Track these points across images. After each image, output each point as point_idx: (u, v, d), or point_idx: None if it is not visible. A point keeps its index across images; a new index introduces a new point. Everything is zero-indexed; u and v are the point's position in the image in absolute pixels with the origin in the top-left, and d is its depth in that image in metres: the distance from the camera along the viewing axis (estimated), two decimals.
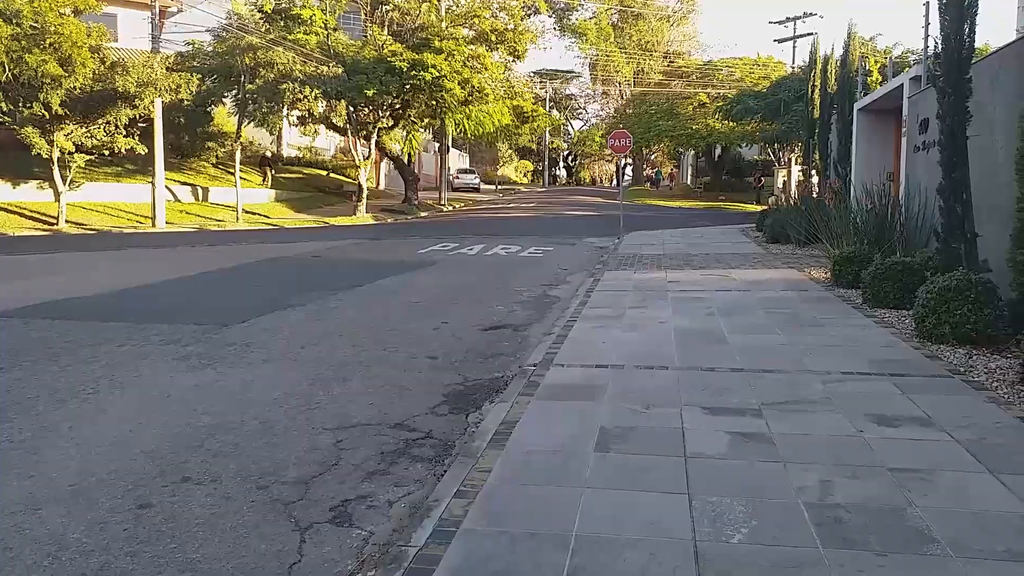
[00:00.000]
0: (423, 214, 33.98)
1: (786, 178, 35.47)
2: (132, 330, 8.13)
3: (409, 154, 39.52)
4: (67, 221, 23.44)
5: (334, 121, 32.73)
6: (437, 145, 42.53)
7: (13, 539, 3.53)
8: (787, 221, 16.65)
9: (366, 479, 4.25)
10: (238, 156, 27.63)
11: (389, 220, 30.22)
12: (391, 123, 32.78)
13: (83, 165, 23.73)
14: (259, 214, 28.71)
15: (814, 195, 17.58)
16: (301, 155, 41.37)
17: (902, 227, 10.90)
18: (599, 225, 25.09)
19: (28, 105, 21.53)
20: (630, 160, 57.37)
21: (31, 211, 24.07)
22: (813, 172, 19.22)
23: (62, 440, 4.83)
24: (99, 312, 9.32)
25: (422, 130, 39.54)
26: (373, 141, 32.04)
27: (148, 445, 4.74)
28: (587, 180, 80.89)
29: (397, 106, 31.30)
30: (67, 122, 22.58)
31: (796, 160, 32.71)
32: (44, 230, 22.69)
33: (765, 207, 23.92)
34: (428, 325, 8.58)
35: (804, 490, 3.72)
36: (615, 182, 61.20)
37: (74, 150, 22.92)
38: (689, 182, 53.93)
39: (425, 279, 12.69)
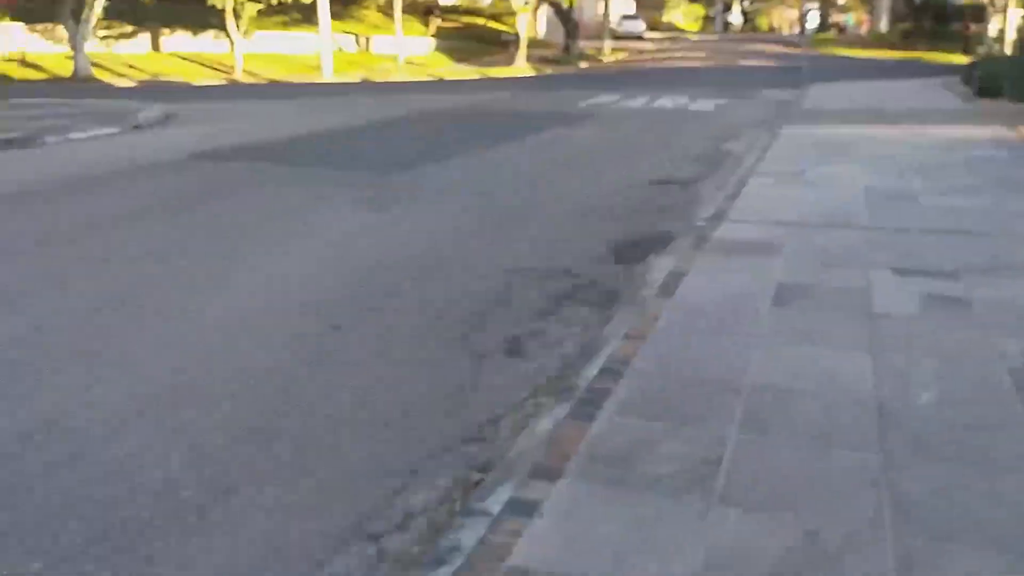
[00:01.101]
0: (583, 64, 32.89)
1: (1002, 24, 31.01)
2: (310, 174, 8.60)
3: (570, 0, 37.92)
4: (243, 71, 24.69)
5: None
6: None
7: (218, 354, 3.96)
8: (1001, 73, 14.70)
9: (535, 318, 4.37)
10: (399, 4, 27.57)
11: (548, 71, 29.54)
12: None
13: (254, 15, 24.64)
14: (420, 64, 28.92)
15: None
16: (459, 3, 40.71)
17: None
18: (778, 77, 23.23)
19: None
20: (815, 4, 52.02)
21: (210, 61, 25.52)
22: None
23: (254, 271, 5.29)
24: (280, 157, 9.90)
25: None
26: None
27: (332, 276, 5.10)
28: (765, 28, 74.47)
29: None
30: None
31: (1016, 2, 28.38)
32: (222, 79, 24.05)
33: (974, 58, 21.16)
34: (591, 178, 8.46)
35: (1007, 356, 3.44)
36: (798, 29, 56.01)
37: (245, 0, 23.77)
38: (884, 30, 48.43)
39: (587, 131, 12.42)
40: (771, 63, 30.25)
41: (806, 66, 20.38)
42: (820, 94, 16.99)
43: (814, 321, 3.94)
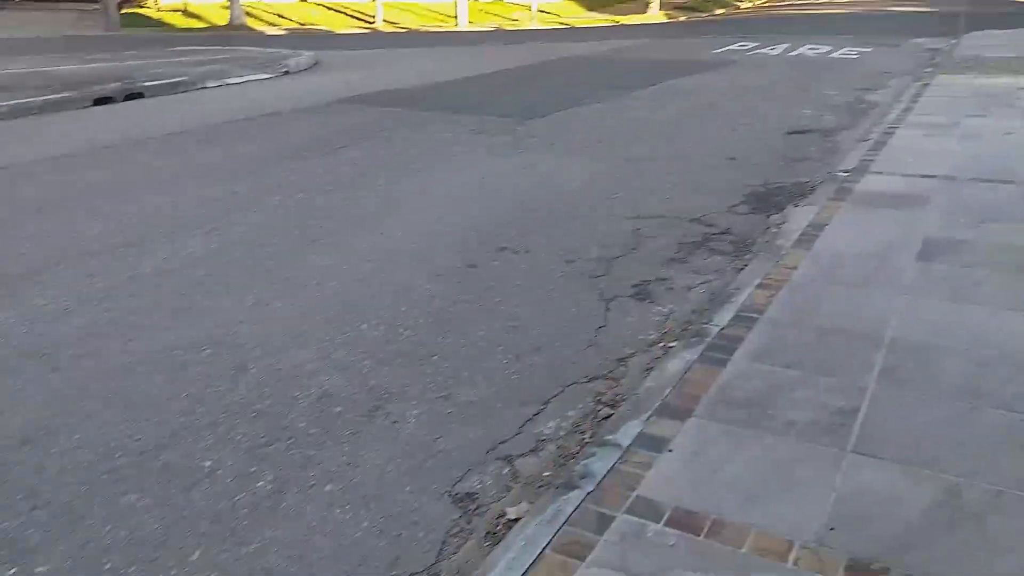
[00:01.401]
0: (719, 11, 31.51)
1: None
2: (447, 119, 8.79)
3: None
4: (382, 20, 25.29)
5: None
6: None
7: (372, 282, 4.21)
8: None
9: (665, 264, 4.36)
10: None
11: (682, 18, 28.52)
12: None
13: None
14: (551, 13, 28.61)
15: None
16: None
17: None
18: (930, 23, 21.48)
19: None
20: None
21: (352, 11, 26.29)
22: None
23: (397, 209, 5.53)
24: (419, 102, 10.16)
25: None
26: None
27: (467, 218, 5.26)
28: None
29: None
30: None
31: None
32: (364, 28, 24.73)
33: None
34: (726, 126, 8.21)
35: None
36: None
37: None
38: None
39: (721, 80, 11.99)
40: (922, 8, 27.95)
41: (964, 10, 18.69)
42: (979, 42, 15.58)
43: (963, 277, 3.74)
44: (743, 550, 2.04)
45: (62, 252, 4.75)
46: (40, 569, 2.23)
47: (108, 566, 2.23)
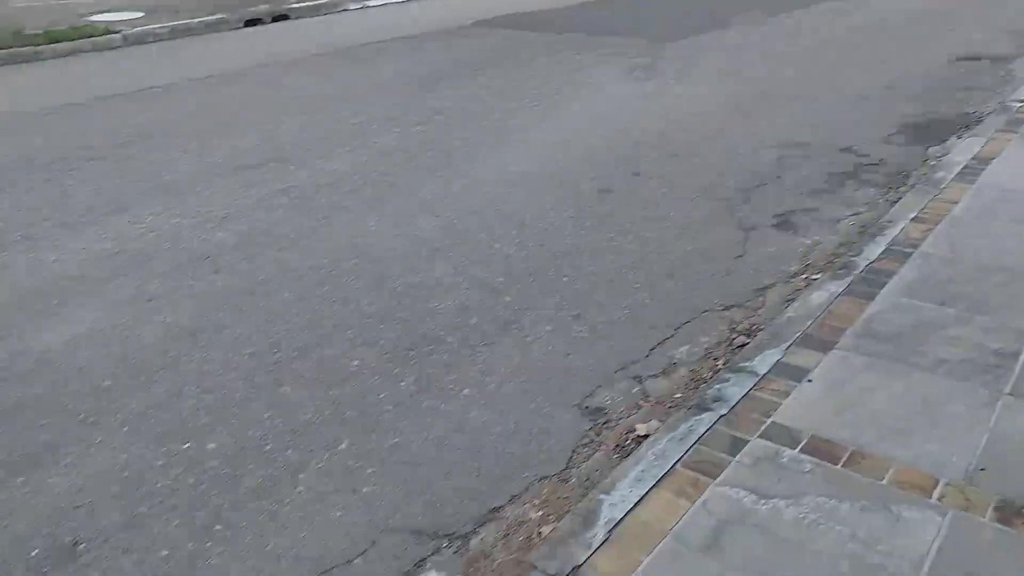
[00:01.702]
0: None
1: None
2: (582, 42, 8.60)
3: None
4: None
5: None
6: None
7: (506, 203, 4.27)
8: None
9: (810, 195, 4.17)
10: None
11: None
12: None
13: None
14: None
15: None
16: None
17: None
18: None
19: None
20: None
21: None
22: None
23: (531, 130, 5.53)
24: (557, 24, 9.97)
25: None
26: None
27: (602, 143, 5.19)
28: None
29: None
30: None
31: None
32: None
33: None
34: (886, 51, 7.61)
35: None
36: None
37: None
38: None
39: (881, 1, 11.05)
40: None
41: None
42: None
43: None
44: (883, 482, 1.99)
45: (218, 166, 5.07)
46: (210, 446, 2.48)
47: (268, 447, 2.45)
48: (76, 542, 2.13)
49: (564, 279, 3.40)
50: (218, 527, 2.15)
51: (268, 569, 2.00)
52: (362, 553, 2.03)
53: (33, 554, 2.10)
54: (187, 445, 2.49)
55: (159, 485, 2.32)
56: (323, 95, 6.89)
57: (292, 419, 2.58)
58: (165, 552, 2.08)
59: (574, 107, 6.08)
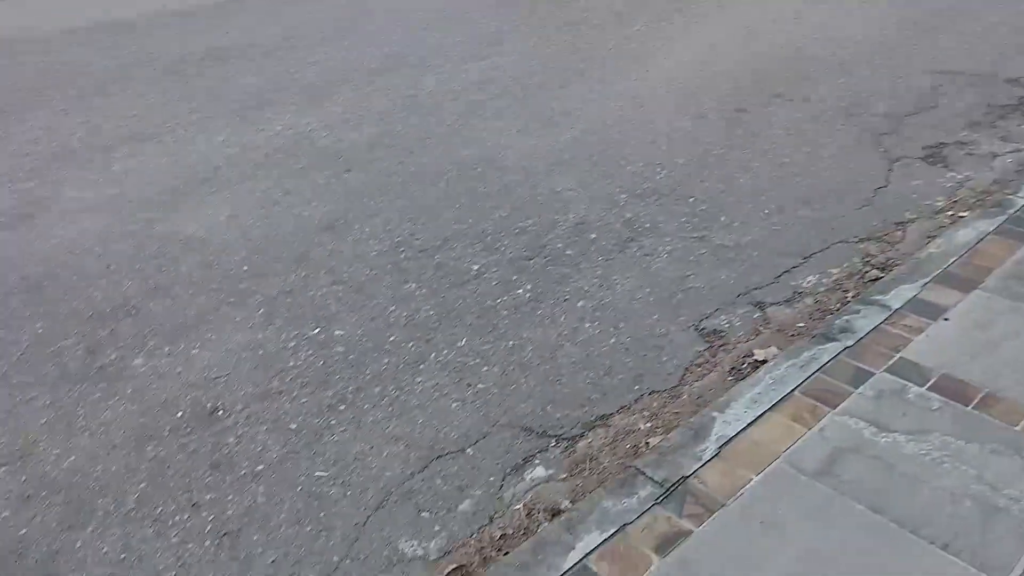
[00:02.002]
0: None
1: None
2: None
3: None
4: None
5: None
6: None
7: (635, 119, 4.17)
8: None
9: (967, 127, 3.85)
10: None
11: None
12: None
13: None
14: None
15: None
16: None
17: None
18: None
19: None
20: None
21: None
22: None
23: (667, 49, 5.32)
24: None
25: None
26: None
27: (740, 62, 4.94)
28: None
29: None
30: None
31: None
32: None
33: None
34: None
35: None
36: None
37: None
38: None
39: None
40: None
41: None
42: None
43: None
44: (1017, 428, 1.89)
45: (350, 72, 5.18)
46: (338, 333, 2.62)
47: (392, 339, 2.57)
48: (215, 409, 2.33)
49: (690, 200, 3.32)
50: (342, 407, 2.29)
51: (387, 449, 2.13)
52: (474, 443, 2.12)
53: (178, 415, 2.32)
54: (317, 330, 2.64)
55: (291, 364, 2.49)
56: (448, 6, 6.85)
57: (415, 314, 2.68)
58: (294, 425, 2.24)
59: (712, 24, 5.80)
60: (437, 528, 1.87)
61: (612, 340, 2.51)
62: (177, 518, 1.97)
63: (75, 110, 4.77)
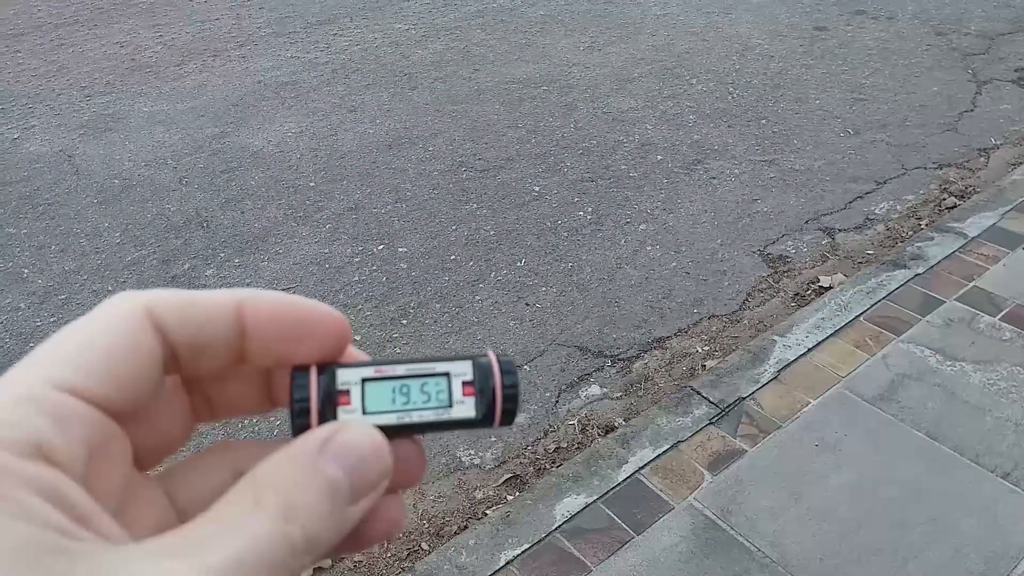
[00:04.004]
0: None
1: None
2: None
3: None
4: None
5: None
6: None
7: (707, 36, 4.01)
8: None
9: None
10: None
11: None
12: None
13: None
14: None
15: None
16: None
17: None
18: None
19: None
20: None
21: None
22: None
23: None
24: None
25: None
26: None
27: None
28: None
29: None
30: None
31: None
32: None
33: None
34: None
35: None
36: None
37: None
38: None
39: None
40: None
41: None
42: None
43: None
44: None
45: None
46: (401, 249, 2.66)
47: (452, 257, 2.60)
48: None
49: (762, 122, 3.22)
50: (404, 321, 2.35)
51: None
52: (531, 360, 2.16)
53: None
54: (381, 247, 2.69)
55: (355, 279, 2.55)
56: None
57: (475, 234, 2.70)
58: (358, 337, 2.31)
59: None
60: (493, 439, 1.93)
61: (673, 264, 2.49)
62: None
63: (148, 24, 4.84)
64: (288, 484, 0.22)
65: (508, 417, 0.28)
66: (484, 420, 0.27)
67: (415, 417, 0.27)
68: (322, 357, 0.27)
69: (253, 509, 0.22)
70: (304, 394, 0.26)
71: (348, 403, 0.26)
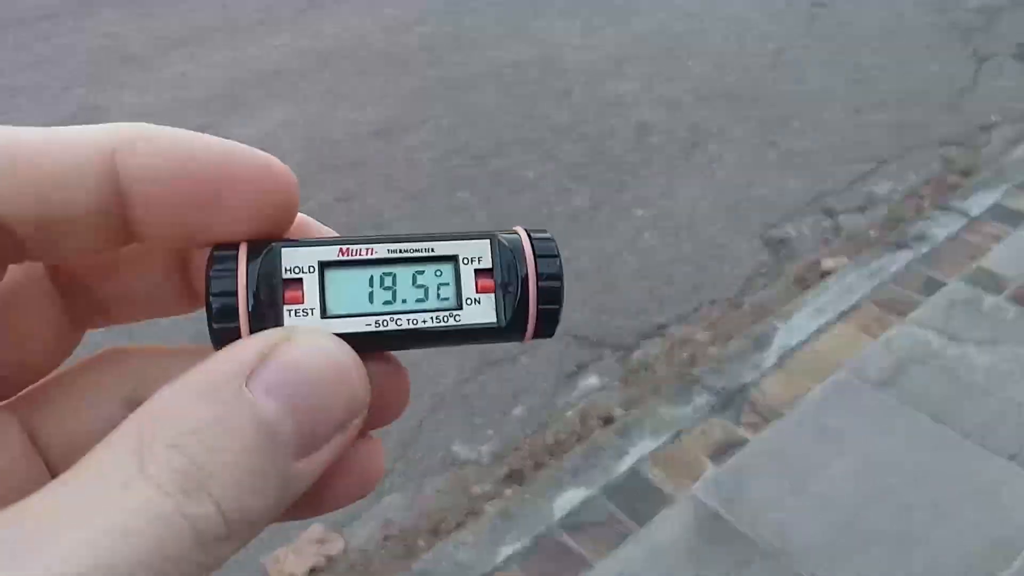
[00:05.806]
0: None
1: None
2: None
3: None
4: None
5: None
6: None
7: (704, 16, 3.95)
8: None
9: None
10: None
11: None
12: None
13: None
14: None
15: None
16: None
17: None
18: None
19: None
20: None
21: None
22: None
23: None
24: None
25: None
26: None
27: None
28: None
29: None
30: None
31: None
32: None
33: None
34: None
35: None
36: None
37: None
38: None
39: None
40: None
41: None
42: None
43: None
44: None
45: None
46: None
47: None
48: None
49: (759, 102, 3.16)
50: None
51: (441, 357, 2.14)
52: (527, 351, 2.12)
53: None
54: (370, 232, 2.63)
55: None
56: None
57: (469, 222, 2.65)
58: None
59: None
60: (490, 432, 1.89)
61: (672, 250, 2.44)
62: None
63: (133, 15, 4.76)
64: (193, 432, 0.14)
65: (547, 325, 0.19)
66: (509, 329, 0.18)
67: (402, 323, 0.18)
68: (258, 231, 0.18)
69: (137, 475, 0.14)
70: (228, 286, 0.18)
71: (299, 300, 0.18)
